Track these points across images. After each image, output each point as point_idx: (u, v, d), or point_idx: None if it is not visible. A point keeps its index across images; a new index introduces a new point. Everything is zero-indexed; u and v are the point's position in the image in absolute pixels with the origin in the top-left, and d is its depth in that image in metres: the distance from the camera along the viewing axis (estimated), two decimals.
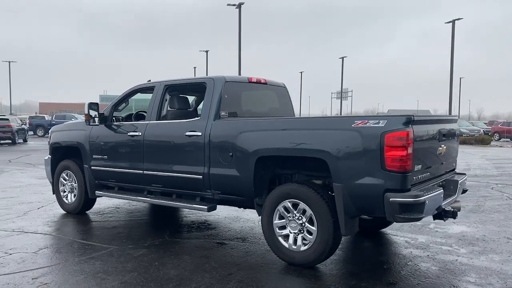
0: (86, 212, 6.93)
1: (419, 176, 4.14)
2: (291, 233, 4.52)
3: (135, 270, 4.37)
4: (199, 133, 5.15)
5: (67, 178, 6.90)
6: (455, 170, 5.31)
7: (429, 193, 4.01)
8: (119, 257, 4.78)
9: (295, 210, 4.47)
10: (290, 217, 4.51)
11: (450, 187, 4.78)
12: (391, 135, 3.87)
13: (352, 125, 4.11)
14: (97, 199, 6.78)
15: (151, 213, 7.01)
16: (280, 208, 4.55)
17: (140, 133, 5.81)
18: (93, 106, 6.18)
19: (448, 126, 4.83)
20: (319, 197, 4.29)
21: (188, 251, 4.98)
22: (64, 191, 6.97)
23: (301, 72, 70.95)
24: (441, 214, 4.56)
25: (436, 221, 6.16)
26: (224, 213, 6.83)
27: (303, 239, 4.45)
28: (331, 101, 62.36)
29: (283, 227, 4.58)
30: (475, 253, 4.94)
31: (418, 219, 3.99)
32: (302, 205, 4.41)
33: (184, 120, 5.49)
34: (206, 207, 5.18)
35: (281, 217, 4.58)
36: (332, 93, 64.25)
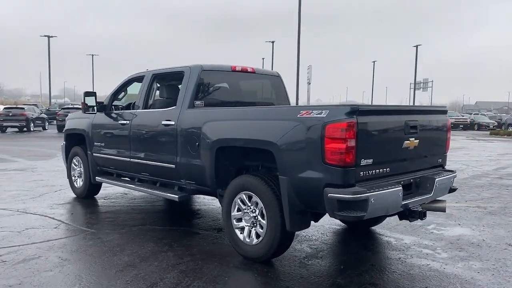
0: (95, 196, 7.27)
1: (370, 172, 3.80)
2: (246, 226, 4.39)
3: (93, 254, 4.51)
4: (172, 122, 5.15)
5: (77, 164, 7.26)
6: (444, 167, 4.81)
7: (375, 190, 3.67)
8: (88, 240, 4.96)
9: (250, 203, 4.33)
10: (245, 209, 4.38)
11: (426, 185, 4.34)
12: (332, 126, 3.59)
13: (298, 116, 3.87)
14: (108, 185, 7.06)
15: (153, 201, 7.17)
16: (237, 200, 4.44)
17: (128, 122, 5.95)
18: (89, 94, 6.42)
19: (424, 118, 4.38)
20: (269, 190, 4.11)
21: (156, 239, 5.03)
22: (74, 176, 7.36)
23: (374, 62, 68.64)
24: (406, 214, 4.18)
25: (440, 221, 5.75)
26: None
27: (256, 233, 4.30)
28: (409, 92, 59.02)
29: (239, 220, 4.46)
30: (455, 259, 4.46)
31: (360, 218, 3.65)
32: (255, 198, 4.26)
33: (162, 109, 5.53)
34: (176, 196, 5.18)
35: (238, 210, 4.46)
36: (410, 83, 60.87)
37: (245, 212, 4.38)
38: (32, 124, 28.04)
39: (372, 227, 5.56)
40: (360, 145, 3.64)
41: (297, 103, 31.87)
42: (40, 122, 29.49)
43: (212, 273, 4.03)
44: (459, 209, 6.65)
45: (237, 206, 4.45)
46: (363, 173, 3.73)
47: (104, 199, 7.24)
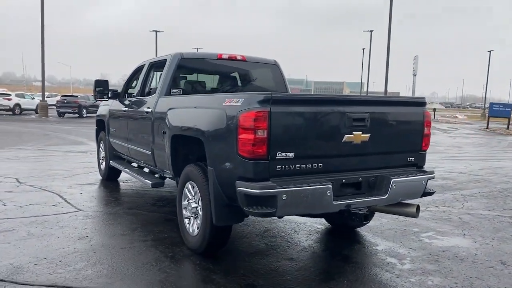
0: (118, 179, 7.70)
1: (292, 166, 3.46)
2: (190, 216, 4.31)
3: (66, 231, 4.77)
4: (150, 110, 5.23)
5: (102, 148, 7.75)
6: (420, 166, 4.21)
7: (289, 186, 3.34)
8: (72, 220, 5.23)
9: (194, 193, 4.24)
10: (190, 200, 4.30)
11: (381, 186, 3.85)
12: (244, 116, 3.34)
13: (223, 104, 3.67)
14: None
15: (162, 188, 7.36)
16: (185, 189, 4.37)
17: (127, 109, 6.17)
18: (100, 82, 6.76)
19: (380, 110, 3.87)
20: (205, 181, 3.98)
21: (128, 223, 5.17)
22: (101, 159, 7.86)
23: (490, 51, 62.06)
24: (344, 217, 3.77)
25: (445, 229, 5.18)
26: None
27: (197, 224, 4.20)
28: None
29: (186, 209, 4.39)
30: (415, 272, 3.90)
31: (270, 215, 3.37)
32: (196, 188, 4.16)
33: (146, 97, 5.63)
34: (150, 182, 5.26)
35: (187, 200, 4.39)
36: None
37: (189, 203, 4.30)
38: (84, 111, 30.99)
39: (359, 228, 5.11)
40: (274, 137, 3.34)
41: (385, 94, 30.25)
42: (94, 109, 31.05)
43: (154, 255, 4.04)
44: (483, 218, 5.80)
45: (184, 196, 4.38)
46: (281, 167, 3.42)
47: (123, 182, 7.63)
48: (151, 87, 6.15)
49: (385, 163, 3.99)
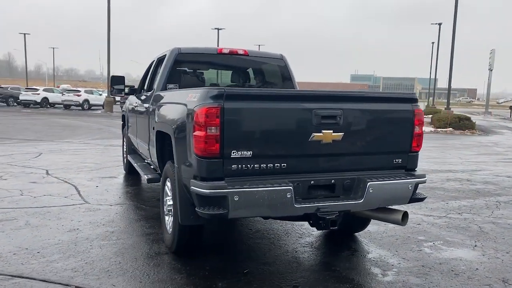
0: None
1: (249, 166, 3.25)
2: (167, 214, 4.24)
3: (61, 223, 4.91)
4: (147, 105, 5.24)
5: (124, 143, 7.94)
6: (410, 169, 3.82)
7: (242, 187, 3.15)
8: (73, 212, 5.38)
9: (170, 190, 4.16)
10: (168, 197, 4.23)
11: (358, 189, 3.53)
12: (198, 112, 3.19)
13: (186, 99, 3.54)
14: None
15: None
16: (165, 186, 4.31)
17: (136, 104, 6.24)
18: (116, 79, 6.87)
19: (357, 107, 3.55)
20: (175, 178, 3.89)
21: (123, 218, 5.23)
22: (124, 154, 8.06)
23: None
24: (312, 221, 3.50)
25: (455, 239, 4.77)
26: None
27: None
28: None
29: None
30: (393, 286, 3.54)
31: (221, 217, 3.18)
32: (171, 186, 4.08)
33: (148, 92, 5.63)
34: (146, 177, 5.27)
35: (166, 196, 4.33)
36: None
37: (166, 200, 4.23)
38: None
39: (357, 233, 4.78)
40: (228, 134, 3.16)
41: (449, 91, 28.49)
42: None
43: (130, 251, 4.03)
44: (509, 229, 5.20)
45: (165, 193, 4.32)
46: (237, 167, 3.23)
47: None
48: (154, 83, 6.18)
49: (365, 164, 3.65)
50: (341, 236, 4.73)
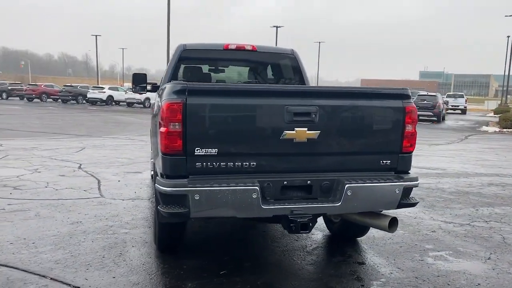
0: None
1: (215, 164, 3.13)
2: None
3: (68, 215, 5.09)
4: (152, 102, 5.28)
5: None
6: (402, 171, 3.50)
7: (204, 185, 3.04)
8: (85, 205, 5.54)
9: None
10: None
11: (336, 192, 3.29)
12: (162, 107, 3.13)
13: (163, 94, 3.48)
14: None
15: None
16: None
17: (153, 101, 6.32)
18: (138, 76, 6.95)
19: (336, 103, 3.30)
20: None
21: (127, 213, 5.30)
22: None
23: None
24: (282, 223, 3.30)
25: (469, 250, 4.41)
26: None
27: None
28: None
29: None
30: None
31: (182, 216, 3.09)
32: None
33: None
34: (152, 173, 5.30)
35: None
36: None
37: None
38: None
39: (360, 238, 4.51)
40: (191, 131, 3.07)
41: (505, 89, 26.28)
42: None
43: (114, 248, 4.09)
44: None
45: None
46: (202, 165, 3.12)
47: None
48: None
49: (346, 165, 3.40)
50: (342, 240, 4.48)
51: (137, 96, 35.73)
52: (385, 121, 3.43)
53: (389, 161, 3.46)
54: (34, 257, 3.84)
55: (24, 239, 4.28)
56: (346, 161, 3.39)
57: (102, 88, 38.47)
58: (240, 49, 5.29)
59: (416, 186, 3.49)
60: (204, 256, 4.02)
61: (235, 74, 5.59)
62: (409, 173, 3.56)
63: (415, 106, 3.50)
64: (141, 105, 35.80)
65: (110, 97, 37.31)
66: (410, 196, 3.55)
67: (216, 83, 3.94)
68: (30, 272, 3.55)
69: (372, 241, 4.49)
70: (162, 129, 3.09)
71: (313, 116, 3.21)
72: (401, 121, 3.42)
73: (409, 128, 3.45)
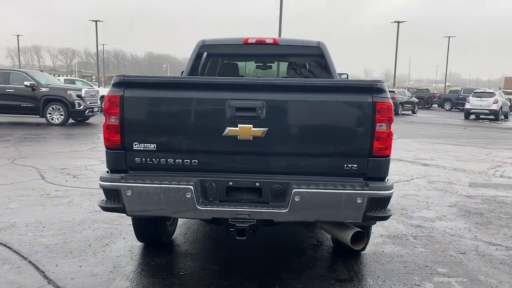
0: None
1: (155, 160, 3.00)
2: None
3: (95, 204, 5.43)
4: None
5: None
6: (373, 177, 2.97)
7: (139, 182, 2.93)
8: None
9: None
10: None
11: (285, 197, 2.93)
12: (104, 100, 3.11)
13: None
14: None
15: None
16: None
17: None
18: None
19: (288, 97, 2.92)
20: None
21: None
22: None
23: None
24: (223, 226, 3.04)
25: (486, 279, 3.69)
26: None
27: None
28: None
29: None
30: None
31: (117, 211, 3.04)
32: None
33: None
34: None
35: None
36: None
37: None
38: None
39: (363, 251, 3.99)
40: (129, 125, 3.00)
41: None
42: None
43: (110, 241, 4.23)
44: None
45: None
46: (141, 160, 3.03)
47: None
48: None
49: (303, 168, 3.00)
50: (339, 252, 4.00)
51: None
52: (349, 118, 2.94)
53: (356, 166, 2.97)
54: (33, 240, 4.14)
55: (40, 222, 4.65)
56: (301, 163, 2.99)
57: None
58: (260, 43, 5.06)
59: (387, 196, 2.94)
60: (174, 254, 3.93)
61: (256, 70, 5.35)
62: (384, 180, 3.02)
63: (390, 102, 2.95)
64: None
65: None
66: (386, 207, 3.01)
67: (156, 76, 3.79)
68: (18, 253, 3.83)
69: (377, 256, 3.93)
70: (105, 122, 3.07)
71: (259, 111, 2.90)
72: (369, 119, 2.91)
73: (381, 127, 2.92)
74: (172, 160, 3.02)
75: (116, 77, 3.03)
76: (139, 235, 3.92)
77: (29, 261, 3.67)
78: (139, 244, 4.08)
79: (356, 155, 2.96)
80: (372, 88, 2.92)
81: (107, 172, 3.14)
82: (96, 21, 52.51)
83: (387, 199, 2.97)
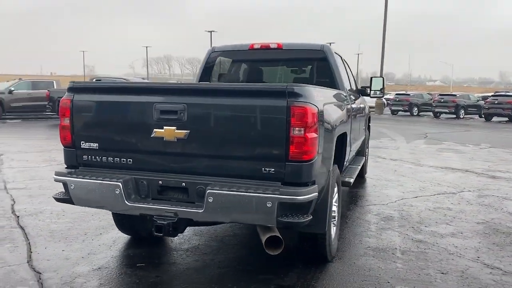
0: None
1: (98, 158, 3.32)
2: None
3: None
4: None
5: None
6: (295, 184, 2.91)
7: (80, 177, 3.27)
8: None
9: None
10: None
11: (202, 197, 3.02)
12: (60, 103, 3.52)
13: None
14: None
15: None
16: None
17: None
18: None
19: (208, 101, 3.02)
20: None
21: None
22: None
23: None
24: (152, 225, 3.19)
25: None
26: None
27: None
28: None
29: None
30: None
31: (66, 202, 3.40)
32: None
33: None
34: None
35: None
36: None
37: None
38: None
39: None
40: (77, 125, 3.37)
41: None
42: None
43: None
44: None
45: None
46: (88, 158, 3.38)
47: None
48: None
49: (222, 170, 3.06)
50: (306, 259, 3.89)
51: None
52: (265, 122, 2.93)
53: (273, 170, 2.95)
54: (45, 226, 4.75)
55: (63, 211, 5.25)
56: (221, 165, 3.06)
57: None
58: (265, 48, 5.13)
59: (300, 202, 2.86)
60: (153, 246, 4.19)
61: (266, 74, 5.39)
62: (307, 185, 2.94)
63: (310, 107, 2.87)
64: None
65: None
66: (305, 213, 2.93)
67: (98, 82, 4.02)
68: (26, 235, 4.43)
69: (343, 267, 3.75)
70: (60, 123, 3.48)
71: (181, 114, 3.05)
72: (284, 124, 2.87)
73: (297, 132, 2.86)
74: (111, 158, 3.31)
75: (70, 83, 3.42)
76: (118, 224, 4.27)
77: (28, 243, 4.25)
78: (126, 236, 4.44)
79: (273, 159, 2.94)
80: (287, 93, 2.88)
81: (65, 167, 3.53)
82: (211, 32, 55.95)
83: (301, 205, 2.90)
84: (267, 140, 2.94)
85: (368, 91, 6.57)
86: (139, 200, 3.20)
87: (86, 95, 3.36)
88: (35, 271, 3.60)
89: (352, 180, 4.95)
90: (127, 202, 3.16)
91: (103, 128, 3.34)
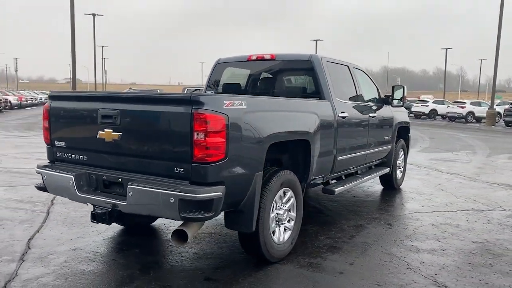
0: None
1: (66, 154, 3.97)
2: None
3: None
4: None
5: None
6: (201, 183, 3.21)
7: (49, 169, 3.92)
8: None
9: None
10: None
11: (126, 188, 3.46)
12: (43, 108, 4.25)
13: None
14: None
15: None
16: None
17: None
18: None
19: (135, 107, 3.48)
20: None
21: None
22: None
23: None
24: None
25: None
26: None
27: None
28: None
29: None
30: None
31: (43, 190, 4.05)
32: None
33: None
34: None
35: None
36: None
37: None
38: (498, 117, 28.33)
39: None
40: (52, 127, 4.06)
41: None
42: None
43: None
44: None
45: None
46: (60, 154, 4.04)
47: None
48: None
49: (147, 168, 3.47)
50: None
51: (458, 110, 33.55)
52: (174, 127, 3.30)
53: (183, 170, 3.29)
54: (67, 213, 5.60)
55: None
56: (144, 164, 3.48)
57: (426, 102, 38.18)
58: (260, 59, 5.42)
59: (198, 200, 3.14)
60: (145, 239, 4.73)
61: (264, 84, 5.62)
62: (211, 185, 3.22)
63: (212, 114, 3.16)
64: (463, 120, 33.27)
65: (433, 111, 36.57)
66: (208, 211, 3.22)
67: (66, 91, 4.56)
68: (46, 219, 5.30)
69: (274, 269, 3.90)
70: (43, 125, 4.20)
71: (115, 118, 3.55)
72: (188, 129, 3.20)
73: (200, 136, 3.17)
74: (73, 155, 3.94)
75: (50, 92, 4.13)
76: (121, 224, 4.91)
77: (42, 225, 5.09)
78: (120, 226, 5.05)
79: (182, 161, 3.28)
80: (191, 101, 3.20)
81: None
82: (316, 40, 56.27)
83: (201, 202, 3.17)
84: (177, 143, 3.30)
85: (390, 100, 6.47)
86: (89, 192, 3.75)
87: (58, 102, 4.05)
88: (28, 247, 4.37)
89: (337, 190, 4.99)
90: (77, 193, 3.73)
91: (67, 129, 4.00)
